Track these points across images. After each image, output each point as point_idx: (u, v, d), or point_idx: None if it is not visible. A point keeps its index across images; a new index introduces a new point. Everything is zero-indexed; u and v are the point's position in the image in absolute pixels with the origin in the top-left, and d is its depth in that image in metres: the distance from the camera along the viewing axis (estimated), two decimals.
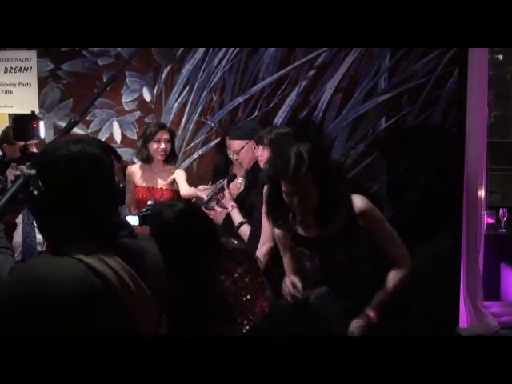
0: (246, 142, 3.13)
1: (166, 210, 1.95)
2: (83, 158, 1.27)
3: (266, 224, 2.74)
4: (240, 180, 3.37)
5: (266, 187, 2.65)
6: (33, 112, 3.42)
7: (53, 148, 1.31)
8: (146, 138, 3.53)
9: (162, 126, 3.56)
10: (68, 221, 1.29)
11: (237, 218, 3.03)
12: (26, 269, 1.28)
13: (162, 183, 3.61)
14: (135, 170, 3.67)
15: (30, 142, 3.08)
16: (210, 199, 3.16)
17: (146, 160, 3.58)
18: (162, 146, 3.52)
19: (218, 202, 3.15)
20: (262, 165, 2.92)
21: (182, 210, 1.96)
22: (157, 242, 1.46)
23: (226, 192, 3.14)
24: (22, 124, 3.19)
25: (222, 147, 3.65)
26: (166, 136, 3.53)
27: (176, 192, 3.61)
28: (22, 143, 3.18)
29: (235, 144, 3.24)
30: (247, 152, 3.13)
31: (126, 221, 1.42)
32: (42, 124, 3.23)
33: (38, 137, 3.14)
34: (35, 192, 1.27)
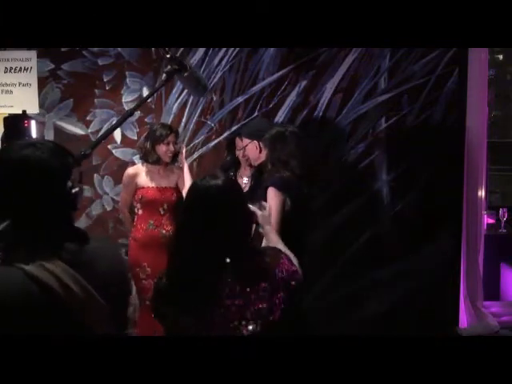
0: (250, 140, 3.15)
1: (214, 178, 1.77)
2: (30, 163, 1.26)
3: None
4: (245, 180, 3.39)
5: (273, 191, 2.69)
6: (24, 111, 3.41)
7: (3, 150, 1.32)
8: (156, 140, 3.52)
9: (171, 129, 3.56)
10: (13, 225, 1.27)
11: None
12: None
13: (170, 183, 3.60)
14: (138, 171, 3.63)
15: None
16: None
17: (156, 162, 3.58)
18: (172, 148, 3.53)
19: None
20: (268, 165, 2.93)
21: (227, 180, 1.82)
22: (199, 212, 1.55)
23: None
24: (14, 124, 3.19)
25: (229, 148, 3.66)
26: (174, 138, 3.55)
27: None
28: None
29: (241, 141, 3.28)
30: (251, 150, 3.15)
31: (77, 227, 1.39)
32: (33, 123, 3.23)
33: (30, 136, 3.14)
34: None
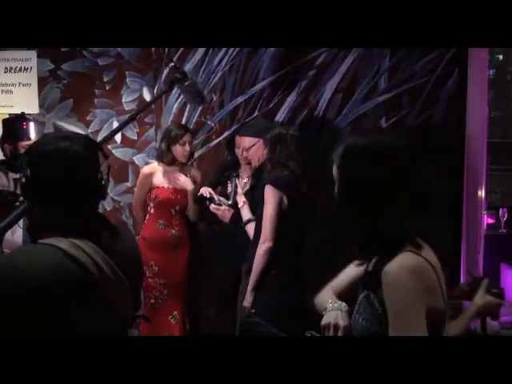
0: (258, 139, 3.13)
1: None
2: (67, 155, 1.37)
3: (266, 223, 2.76)
4: (245, 180, 3.39)
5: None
6: (22, 113, 3.42)
7: (43, 142, 1.41)
8: (171, 140, 3.52)
9: (186, 129, 3.56)
10: (47, 211, 1.38)
11: (246, 214, 3.05)
12: (3, 260, 1.35)
13: (183, 184, 3.60)
14: (153, 170, 3.62)
15: (25, 143, 3.07)
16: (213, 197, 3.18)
17: (171, 162, 3.57)
18: (188, 148, 3.52)
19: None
20: (268, 165, 2.93)
21: None
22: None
23: (239, 188, 3.17)
24: (13, 125, 3.20)
25: (229, 147, 3.66)
26: (190, 138, 3.55)
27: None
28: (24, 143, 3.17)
29: (246, 141, 3.25)
30: (257, 150, 3.13)
31: (101, 213, 1.50)
32: (32, 125, 3.24)
33: (28, 138, 3.15)
34: (23, 180, 1.37)
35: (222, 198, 3.20)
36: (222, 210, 3.13)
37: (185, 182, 3.59)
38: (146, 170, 3.65)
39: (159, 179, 3.58)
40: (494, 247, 4.24)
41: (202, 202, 3.32)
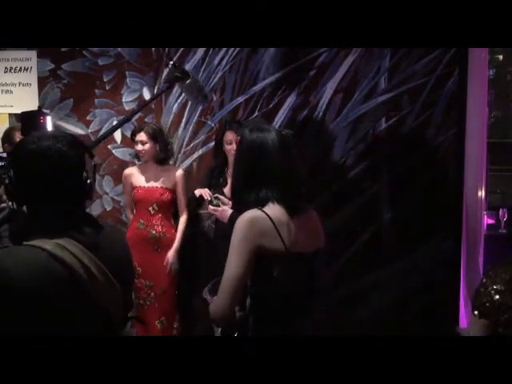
0: None
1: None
2: (50, 154, 1.34)
3: None
4: None
5: None
6: (39, 107, 3.43)
7: (26, 141, 1.38)
8: (132, 139, 3.61)
9: (141, 128, 3.57)
10: (32, 210, 1.37)
11: None
12: None
13: (162, 183, 3.61)
14: (132, 171, 3.68)
15: None
16: (217, 198, 3.16)
17: (139, 160, 3.66)
18: (139, 147, 3.55)
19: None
20: None
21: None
22: None
23: None
24: (30, 119, 3.21)
25: (217, 148, 3.64)
26: (142, 138, 3.54)
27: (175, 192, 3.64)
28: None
29: (231, 135, 3.25)
30: None
31: (89, 213, 1.49)
32: (49, 119, 3.25)
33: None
34: (6, 181, 1.35)
35: (221, 197, 3.18)
36: (220, 211, 3.12)
37: (163, 180, 3.61)
38: (125, 171, 3.72)
39: (137, 179, 3.64)
40: (493, 247, 4.24)
41: (197, 203, 3.32)
